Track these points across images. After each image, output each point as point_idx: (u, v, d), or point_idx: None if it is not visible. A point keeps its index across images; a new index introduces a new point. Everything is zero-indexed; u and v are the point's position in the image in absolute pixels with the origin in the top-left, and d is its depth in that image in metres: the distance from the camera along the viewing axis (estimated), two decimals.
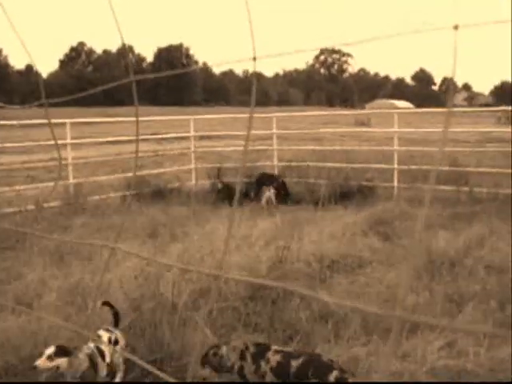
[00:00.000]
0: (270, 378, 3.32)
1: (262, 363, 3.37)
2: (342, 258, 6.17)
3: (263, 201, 11.12)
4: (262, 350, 3.44)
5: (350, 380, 3.16)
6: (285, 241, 6.46)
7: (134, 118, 16.85)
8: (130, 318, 4.62)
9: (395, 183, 11.77)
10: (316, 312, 4.71)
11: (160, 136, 17.96)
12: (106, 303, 4.15)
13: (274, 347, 3.47)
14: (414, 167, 11.96)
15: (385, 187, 11.77)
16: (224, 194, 11.35)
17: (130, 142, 19.98)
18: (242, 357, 3.45)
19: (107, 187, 11.72)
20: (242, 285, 5.00)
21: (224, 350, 3.54)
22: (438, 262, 5.91)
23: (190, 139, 13.67)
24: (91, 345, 3.55)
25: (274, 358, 3.36)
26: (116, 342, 3.76)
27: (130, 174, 12.35)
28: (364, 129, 26.71)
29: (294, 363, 3.25)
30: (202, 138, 16.50)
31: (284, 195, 11.40)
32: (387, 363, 3.58)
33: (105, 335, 3.72)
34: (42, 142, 12.40)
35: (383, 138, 20.59)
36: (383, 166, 12.32)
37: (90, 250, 7.21)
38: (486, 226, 7.72)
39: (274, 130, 13.32)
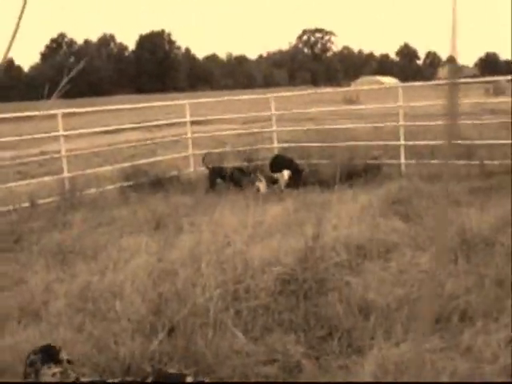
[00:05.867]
0: None
1: None
2: (367, 243, 5.75)
3: (282, 185, 10.51)
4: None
5: None
6: (303, 228, 6.04)
7: (126, 106, 16.27)
8: (149, 323, 4.19)
9: (402, 160, 11.33)
10: (354, 305, 4.29)
11: (154, 123, 17.51)
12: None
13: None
14: (420, 143, 11.54)
15: (391, 164, 11.34)
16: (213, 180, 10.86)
17: (121, 131, 19.50)
18: None
19: (103, 179, 11.21)
20: (271, 279, 4.56)
21: None
22: (472, 243, 5.51)
23: (186, 125, 13.16)
24: None
25: None
26: None
27: (127, 164, 11.85)
28: (354, 106, 26.25)
29: None
30: (192, 123, 16.01)
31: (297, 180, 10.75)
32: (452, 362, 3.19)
33: None
34: (26, 136, 11.79)
35: (376, 114, 20.14)
36: (389, 142, 11.87)
37: (94, 247, 6.75)
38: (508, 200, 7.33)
39: (273, 111, 12.79)
